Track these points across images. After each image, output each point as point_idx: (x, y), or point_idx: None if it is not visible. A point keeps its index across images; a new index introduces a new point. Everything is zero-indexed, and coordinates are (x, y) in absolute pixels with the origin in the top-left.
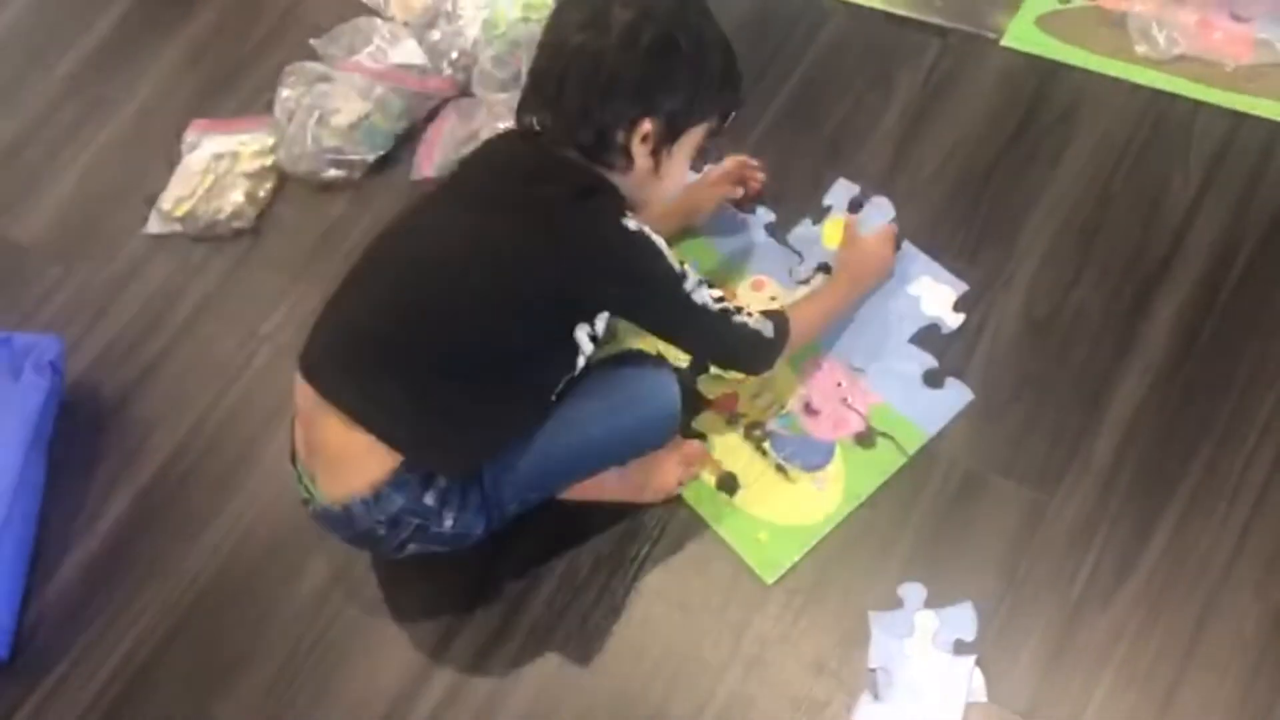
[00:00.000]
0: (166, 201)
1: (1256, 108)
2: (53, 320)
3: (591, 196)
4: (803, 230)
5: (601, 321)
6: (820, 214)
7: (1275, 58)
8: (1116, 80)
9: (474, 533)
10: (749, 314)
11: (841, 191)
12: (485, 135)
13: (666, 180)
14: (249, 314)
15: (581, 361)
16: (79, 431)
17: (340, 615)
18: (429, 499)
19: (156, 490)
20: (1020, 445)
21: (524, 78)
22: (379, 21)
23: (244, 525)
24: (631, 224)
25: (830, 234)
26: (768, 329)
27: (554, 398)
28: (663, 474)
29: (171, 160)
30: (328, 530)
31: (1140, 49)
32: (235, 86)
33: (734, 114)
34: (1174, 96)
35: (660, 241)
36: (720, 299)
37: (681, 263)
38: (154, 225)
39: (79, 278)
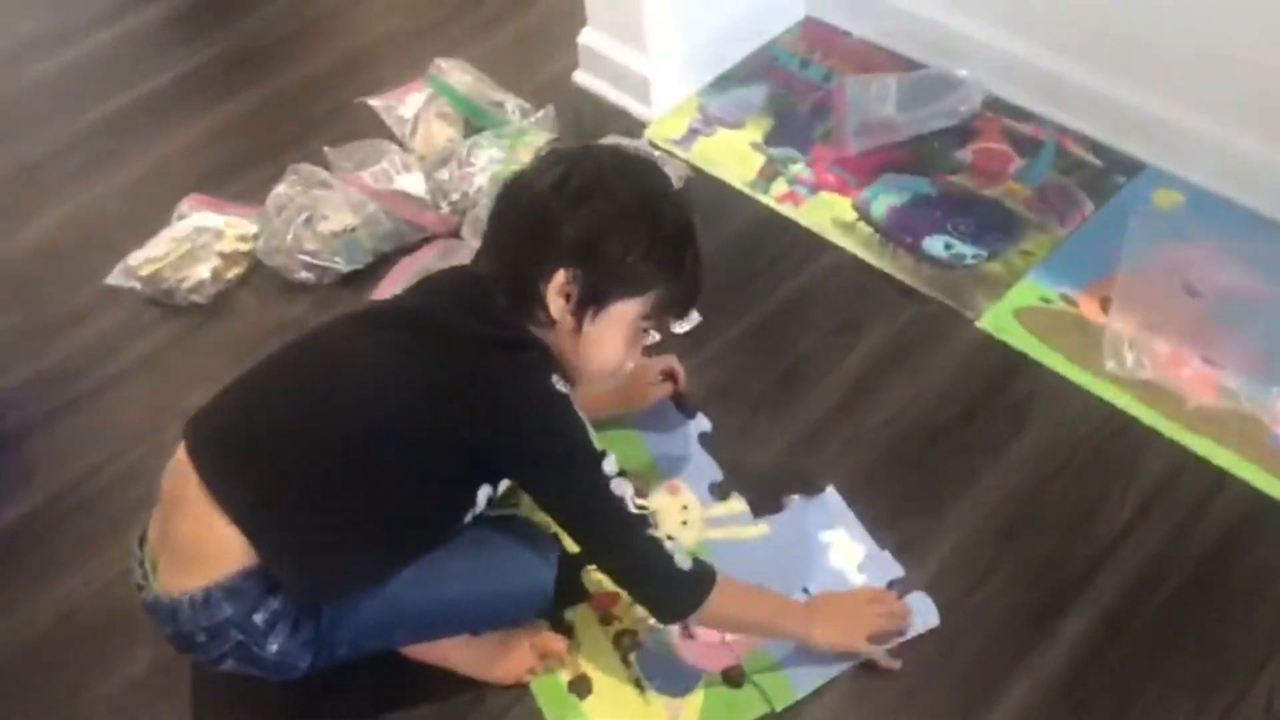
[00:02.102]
0: (135, 259)
1: (1208, 451)
2: None
3: (521, 350)
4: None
5: (504, 485)
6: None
7: (1236, 407)
8: (1078, 388)
9: (297, 665)
10: (670, 538)
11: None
12: None
13: (591, 349)
14: (172, 387)
15: (468, 520)
16: None
17: (146, 712)
18: (258, 618)
19: (12, 536)
20: None
21: None
22: (394, 148)
23: (84, 595)
24: (559, 386)
25: None
26: (685, 563)
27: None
28: (515, 658)
29: (158, 226)
30: (153, 621)
31: (1109, 364)
32: (242, 175)
33: (682, 309)
34: (1130, 418)
35: (584, 417)
36: (642, 506)
37: (602, 449)
38: (115, 278)
39: (26, 311)
